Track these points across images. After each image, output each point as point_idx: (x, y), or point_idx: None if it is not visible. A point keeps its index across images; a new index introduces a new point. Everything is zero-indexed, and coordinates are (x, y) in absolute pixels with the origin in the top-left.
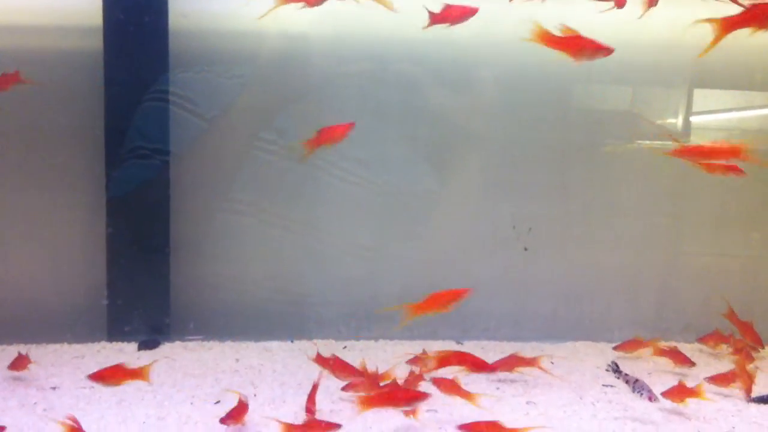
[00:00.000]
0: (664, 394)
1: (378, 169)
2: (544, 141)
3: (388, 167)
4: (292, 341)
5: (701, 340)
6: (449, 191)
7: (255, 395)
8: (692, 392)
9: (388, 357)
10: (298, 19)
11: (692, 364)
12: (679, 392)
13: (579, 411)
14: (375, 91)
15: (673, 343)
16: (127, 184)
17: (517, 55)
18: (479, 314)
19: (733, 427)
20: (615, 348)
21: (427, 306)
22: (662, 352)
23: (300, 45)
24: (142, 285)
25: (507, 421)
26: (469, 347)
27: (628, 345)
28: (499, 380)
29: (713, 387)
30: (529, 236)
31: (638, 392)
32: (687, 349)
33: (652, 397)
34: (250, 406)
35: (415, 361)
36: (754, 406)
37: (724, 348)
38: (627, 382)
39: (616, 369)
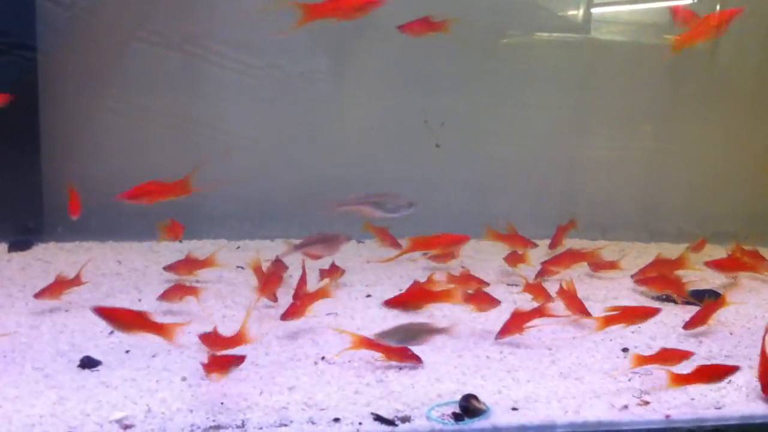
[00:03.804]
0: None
1: (269, 54)
2: (451, 30)
3: (279, 52)
4: (180, 241)
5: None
6: (350, 79)
7: (140, 300)
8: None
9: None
10: None
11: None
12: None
13: (484, 312)
14: None
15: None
16: None
17: None
18: None
19: (639, 327)
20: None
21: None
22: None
23: None
24: (9, 184)
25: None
26: (370, 245)
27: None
28: (405, 284)
29: None
30: (440, 131)
31: None
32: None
33: None
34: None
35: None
36: (659, 305)
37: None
38: None
39: None
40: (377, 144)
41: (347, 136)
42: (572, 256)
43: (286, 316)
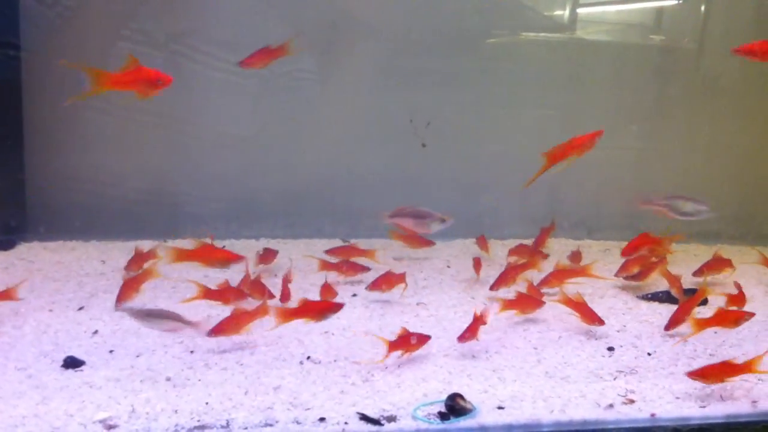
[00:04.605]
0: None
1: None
2: (438, 30)
3: None
4: (165, 241)
5: None
6: (337, 79)
7: None
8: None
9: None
10: None
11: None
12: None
13: (470, 311)
14: None
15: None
16: None
17: None
18: (368, 211)
19: (624, 326)
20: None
21: None
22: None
23: None
24: None
25: (408, 325)
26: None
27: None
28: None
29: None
30: (427, 130)
31: None
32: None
33: None
34: (119, 312)
35: None
36: (644, 304)
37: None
38: None
39: None
40: (364, 143)
41: (333, 135)
42: (515, 270)
43: (214, 333)
